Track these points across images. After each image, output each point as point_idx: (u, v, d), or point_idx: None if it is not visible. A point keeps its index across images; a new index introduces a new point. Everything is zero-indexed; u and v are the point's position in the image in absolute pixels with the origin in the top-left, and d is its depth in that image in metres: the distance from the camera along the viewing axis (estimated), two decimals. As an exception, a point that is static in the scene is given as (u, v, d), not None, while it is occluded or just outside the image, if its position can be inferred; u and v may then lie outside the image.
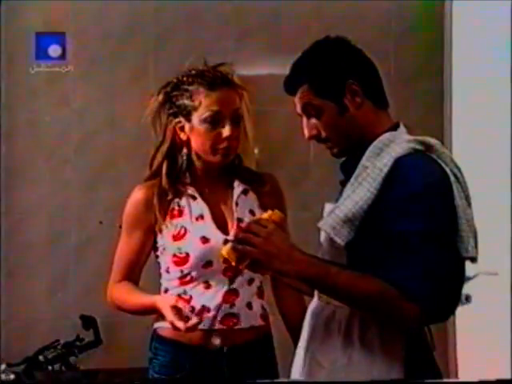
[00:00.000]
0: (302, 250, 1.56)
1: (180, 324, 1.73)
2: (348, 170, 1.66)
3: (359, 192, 1.56)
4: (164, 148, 1.94)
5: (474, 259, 1.57)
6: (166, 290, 1.97)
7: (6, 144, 3.29)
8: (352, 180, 1.60)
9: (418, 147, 1.58)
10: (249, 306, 1.94)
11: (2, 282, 3.31)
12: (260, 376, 1.92)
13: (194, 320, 1.74)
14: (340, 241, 1.56)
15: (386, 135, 1.62)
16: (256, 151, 3.50)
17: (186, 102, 1.90)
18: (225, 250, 1.57)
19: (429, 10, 3.48)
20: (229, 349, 1.90)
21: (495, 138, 2.98)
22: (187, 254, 1.89)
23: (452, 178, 1.57)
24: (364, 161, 1.60)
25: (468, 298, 2.72)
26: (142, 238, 1.97)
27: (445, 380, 3.03)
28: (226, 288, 1.83)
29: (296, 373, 1.71)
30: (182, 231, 1.91)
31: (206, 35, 3.41)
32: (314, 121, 1.66)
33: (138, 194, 1.97)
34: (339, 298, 1.57)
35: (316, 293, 1.71)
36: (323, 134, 1.66)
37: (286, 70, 1.73)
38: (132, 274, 1.99)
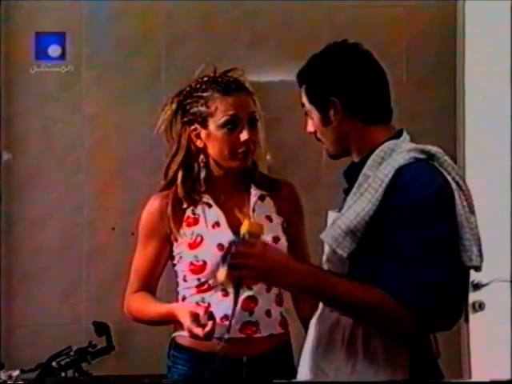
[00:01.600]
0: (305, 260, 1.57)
1: (198, 330, 1.72)
2: (351, 178, 1.68)
3: (361, 203, 1.56)
4: (179, 157, 1.93)
5: (477, 268, 1.57)
6: (184, 298, 1.96)
7: (18, 150, 3.31)
8: (354, 189, 1.61)
9: (420, 156, 1.58)
10: (268, 313, 1.93)
11: (14, 287, 3.33)
12: None
13: (209, 326, 1.73)
14: (342, 252, 1.56)
15: (387, 144, 1.62)
16: (268, 157, 3.51)
17: (202, 108, 1.89)
18: (221, 276, 1.55)
19: (440, 15, 3.47)
20: (248, 358, 1.88)
21: (509, 144, 2.96)
22: (204, 262, 1.88)
23: (454, 186, 1.56)
24: (366, 170, 1.61)
25: (481, 305, 2.71)
26: (158, 247, 1.96)
27: (456, 380, 3.03)
28: (245, 294, 1.83)
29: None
30: (199, 239, 1.91)
31: (217, 41, 3.42)
32: (310, 120, 1.73)
33: (153, 204, 1.97)
34: (339, 308, 1.58)
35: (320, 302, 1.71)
36: (316, 134, 1.72)
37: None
38: (149, 285, 1.99)
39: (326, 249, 1.68)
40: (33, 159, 3.32)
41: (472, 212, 1.58)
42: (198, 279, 1.90)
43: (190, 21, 3.43)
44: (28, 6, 3.33)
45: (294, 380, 1.76)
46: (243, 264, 1.52)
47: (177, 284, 2.01)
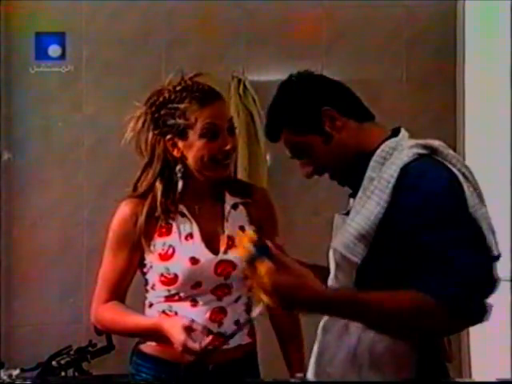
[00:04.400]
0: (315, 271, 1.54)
1: (195, 345, 1.68)
2: (354, 183, 1.65)
3: (369, 206, 1.55)
4: (156, 168, 1.87)
5: (497, 257, 1.54)
6: (151, 305, 1.91)
7: (18, 149, 3.31)
8: (360, 193, 1.59)
9: (423, 151, 1.57)
10: (236, 323, 1.89)
11: (14, 287, 3.33)
12: None
13: (206, 340, 1.69)
14: (356, 259, 1.54)
15: (388, 143, 1.61)
16: (268, 157, 3.51)
17: (180, 120, 1.84)
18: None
19: (440, 15, 3.48)
20: (214, 366, 1.82)
21: (509, 142, 2.96)
22: (176, 275, 1.83)
23: (461, 178, 1.54)
24: (369, 172, 1.59)
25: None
26: (130, 255, 1.89)
27: (464, 380, 3.03)
28: (214, 305, 1.84)
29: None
30: (170, 251, 1.85)
31: (217, 41, 3.43)
32: (306, 160, 1.68)
33: (125, 210, 1.89)
34: (371, 320, 1.54)
35: None
36: (319, 168, 1.68)
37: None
38: (119, 294, 1.90)
39: (335, 255, 1.64)
40: (33, 159, 3.33)
41: (482, 201, 1.57)
42: (168, 290, 1.86)
43: (190, 21, 3.44)
44: (28, 6, 3.34)
45: (293, 379, 1.75)
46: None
47: (145, 289, 1.94)
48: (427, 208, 1.49)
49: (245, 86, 3.42)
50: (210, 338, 1.70)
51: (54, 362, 2.94)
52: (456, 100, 3.32)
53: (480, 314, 1.48)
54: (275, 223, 2.04)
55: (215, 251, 1.86)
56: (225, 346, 1.80)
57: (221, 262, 1.85)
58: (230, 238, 1.87)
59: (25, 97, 3.34)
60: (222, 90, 3.36)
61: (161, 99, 1.89)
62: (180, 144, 1.86)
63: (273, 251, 1.51)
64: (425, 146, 1.58)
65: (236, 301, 1.89)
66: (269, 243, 1.55)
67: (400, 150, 1.58)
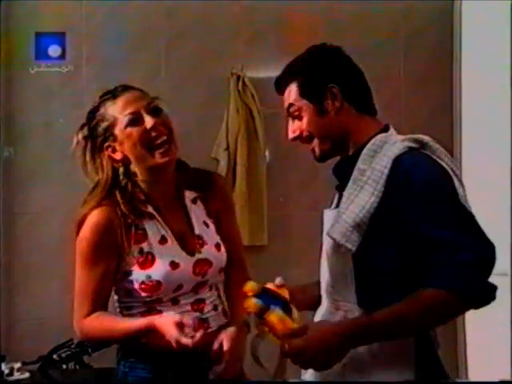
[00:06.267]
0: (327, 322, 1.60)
1: (187, 341, 1.70)
2: (343, 174, 1.69)
3: (363, 196, 1.57)
4: (107, 179, 1.87)
5: None
6: (130, 308, 1.89)
7: (20, 145, 3.33)
8: (350, 184, 1.62)
9: (413, 145, 1.61)
10: (215, 308, 1.93)
11: (16, 281, 3.35)
12: None
13: (198, 335, 1.71)
14: (351, 246, 1.57)
15: (379, 137, 1.65)
16: (267, 153, 3.54)
17: (103, 124, 1.86)
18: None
19: (438, 12, 3.50)
20: (202, 348, 1.79)
21: (505, 139, 2.98)
22: (158, 282, 1.82)
23: (450, 172, 1.59)
24: (360, 164, 1.62)
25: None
26: (109, 264, 1.84)
27: (465, 380, 3.05)
28: (194, 298, 1.86)
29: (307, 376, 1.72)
30: (150, 257, 1.83)
31: (217, 38, 3.45)
32: (297, 122, 1.71)
33: (99, 219, 1.84)
34: (395, 334, 1.54)
35: (323, 299, 1.72)
36: (304, 134, 1.70)
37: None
38: (101, 304, 1.86)
39: (328, 247, 1.67)
40: (34, 154, 3.35)
41: (466, 197, 1.60)
42: (149, 296, 1.85)
43: (190, 18, 3.46)
44: (28, 6, 3.36)
45: (294, 380, 1.76)
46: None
47: (118, 295, 1.91)
48: (423, 197, 1.53)
49: (244, 82, 3.44)
50: (201, 332, 1.72)
51: (55, 356, 2.96)
52: (453, 97, 3.34)
53: (490, 295, 1.50)
54: (232, 212, 2.06)
55: (190, 252, 1.87)
56: (208, 331, 1.84)
57: (197, 261, 1.87)
58: (200, 237, 1.90)
59: (26, 94, 3.35)
60: (222, 87, 3.45)
61: (85, 119, 1.93)
62: (117, 146, 1.86)
63: (280, 297, 1.56)
64: (415, 140, 1.62)
65: (210, 289, 1.92)
66: (270, 286, 1.58)
67: (391, 143, 1.62)
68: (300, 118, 1.70)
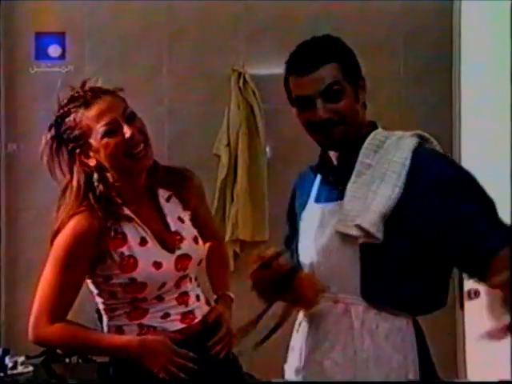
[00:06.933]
0: None
1: (180, 374, 1.79)
2: (338, 169, 1.72)
3: (386, 187, 1.61)
4: (81, 185, 1.84)
5: None
6: (115, 309, 1.88)
7: (23, 142, 3.36)
8: (354, 178, 1.65)
9: (420, 140, 1.68)
10: (197, 298, 1.96)
11: (19, 275, 3.38)
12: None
13: (190, 365, 1.81)
14: (380, 236, 1.59)
15: (378, 132, 1.70)
16: (267, 149, 3.56)
17: (77, 132, 1.83)
18: None
19: (437, 9, 3.51)
20: (191, 339, 1.88)
21: (504, 136, 3.00)
22: (143, 284, 1.82)
23: None
24: (362, 158, 1.66)
25: (476, 293, 2.75)
26: (83, 272, 1.82)
27: (464, 380, 3.06)
28: (179, 292, 1.89)
29: (292, 374, 1.76)
30: (132, 261, 1.82)
31: (218, 35, 3.47)
32: (330, 104, 1.65)
33: (81, 226, 1.80)
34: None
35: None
36: (336, 117, 1.65)
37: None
38: (65, 313, 1.83)
39: (335, 239, 1.68)
40: (37, 151, 3.35)
41: None
42: (134, 297, 1.84)
43: (191, 15, 3.48)
44: (28, 6, 3.38)
45: (294, 380, 1.78)
46: None
47: (99, 297, 1.89)
48: (455, 183, 1.59)
49: (245, 79, 3.47)
50: (191, 365, 1.80)
51: (58, 350, 2.99)
52: (452, 94, 3.36)
53: None
54: (205, 201, 2.10)
55: (171, 249, 1.88)
56: (194, 321, 1.90)
57: (178, 258, 1.88)
58: (177, 233, 1.91)
59: (29, 90, 3.38)
60: (223, 84, 3.47)
61: (54, 119, 1.88)
62: (91, 154, 1.84)
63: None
64: (420, 136, 1.70)
65: (190, 281, 1.94)
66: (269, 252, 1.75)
67: (398, 137, 1.67)
68: (338, 99, 1.65)
